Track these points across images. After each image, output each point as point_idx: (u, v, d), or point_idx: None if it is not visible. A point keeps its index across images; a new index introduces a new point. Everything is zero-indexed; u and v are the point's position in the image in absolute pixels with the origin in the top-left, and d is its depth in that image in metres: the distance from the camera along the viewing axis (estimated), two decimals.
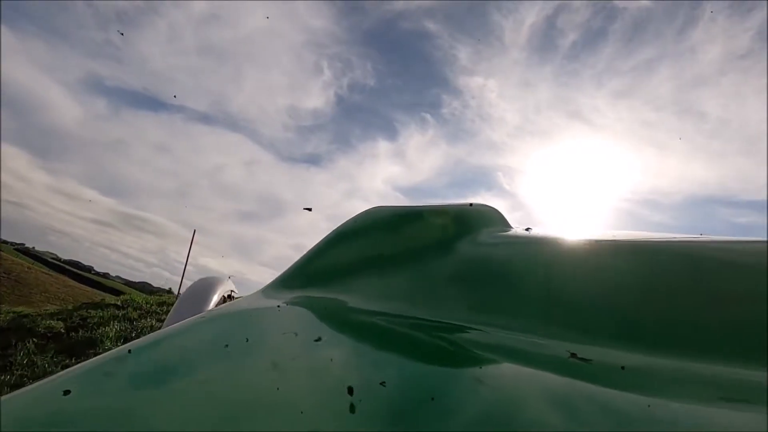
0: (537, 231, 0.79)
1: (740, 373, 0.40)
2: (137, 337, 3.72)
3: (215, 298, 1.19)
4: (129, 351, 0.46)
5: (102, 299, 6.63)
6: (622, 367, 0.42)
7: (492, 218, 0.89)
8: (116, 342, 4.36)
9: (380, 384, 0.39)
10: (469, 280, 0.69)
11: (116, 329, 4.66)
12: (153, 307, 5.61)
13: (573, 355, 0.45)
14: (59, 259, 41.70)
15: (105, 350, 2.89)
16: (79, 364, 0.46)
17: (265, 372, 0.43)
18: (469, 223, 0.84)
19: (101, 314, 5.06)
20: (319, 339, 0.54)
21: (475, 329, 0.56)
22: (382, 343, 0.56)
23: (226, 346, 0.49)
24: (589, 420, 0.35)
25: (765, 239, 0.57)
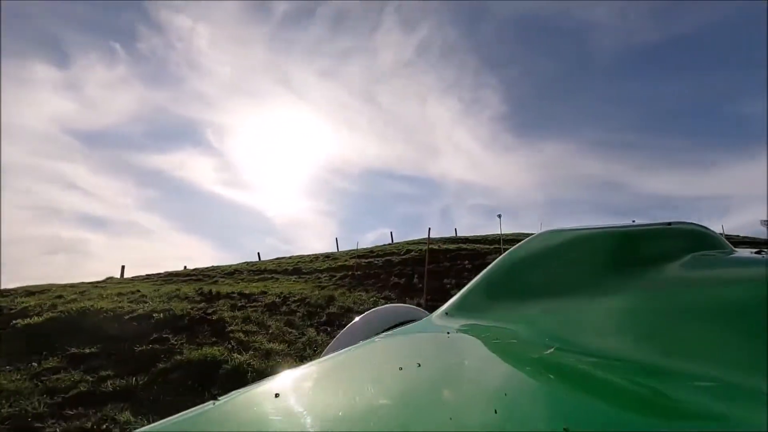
0: None
1: None
2: None
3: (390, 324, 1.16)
4: (314, 367, 0.54)
5: None
6: None
7: (702, 239, 0.73)
8: None
9: (564, 430, 0.33)
10: (674, 315, 0.55)
11: None
12: None
13: None
14: None
15: None
16: (286, 371, 0.53)
17: (438, 400, 0.42)
18: (672, 246, 0.70)
19: None
20: (490, 371, 0.52)
21: (684, 375, 0.44)
22: (562, 382, 0.47)
23: (401, 369, 0.51)
24: None
25: None
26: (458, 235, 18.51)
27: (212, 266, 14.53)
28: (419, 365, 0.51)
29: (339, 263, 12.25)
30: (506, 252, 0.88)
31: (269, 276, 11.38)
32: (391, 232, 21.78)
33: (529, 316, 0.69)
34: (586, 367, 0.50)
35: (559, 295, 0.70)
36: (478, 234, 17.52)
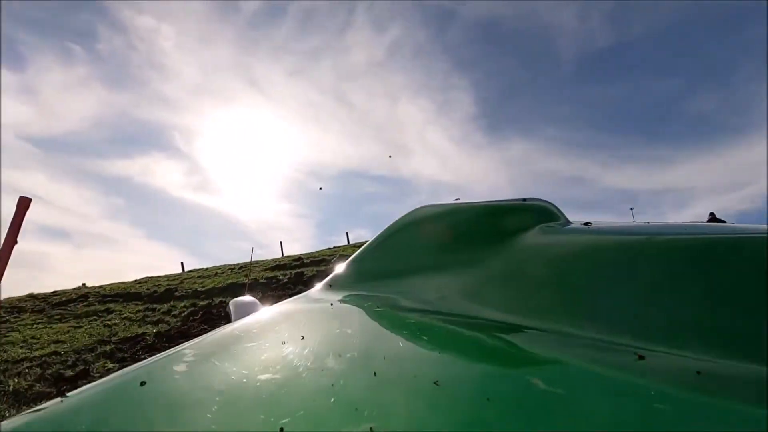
0: (597, 225, 0.74)
1: None
2: None
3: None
4: (187, 350, 0.52)
5: None
6: (698, 372, 0.37)
7: (547, 214, 0.82)
8: None
9: (434, 383, 0.38)
10: (524, 278, 0.67)
11: None
12: None
13: (641, 357, 0.41)
14: None
15: None
16: (155, 356, 0.52)
17: (320, 369, 0.44)
18: (524, 219, 0.80)
19: None
20: (370, 337, 0.58)
21: (533, 329, 0.54)
22: (434, 342, 0.54)
23: (283, 343, 0.52)
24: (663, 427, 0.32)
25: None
26: None
27: (103, 285, 10.67)
28: (302, 337, 0.54)
29: (231, 280, 8.45)
30: (385, 227, 0.99)
31: (104, 306, 7.49)
32: (347, 233, 18.08)
33: (407, 284, 0.79)
34: (454, 328, 0.59)
35: (430, 264, 0.81)
36: None
